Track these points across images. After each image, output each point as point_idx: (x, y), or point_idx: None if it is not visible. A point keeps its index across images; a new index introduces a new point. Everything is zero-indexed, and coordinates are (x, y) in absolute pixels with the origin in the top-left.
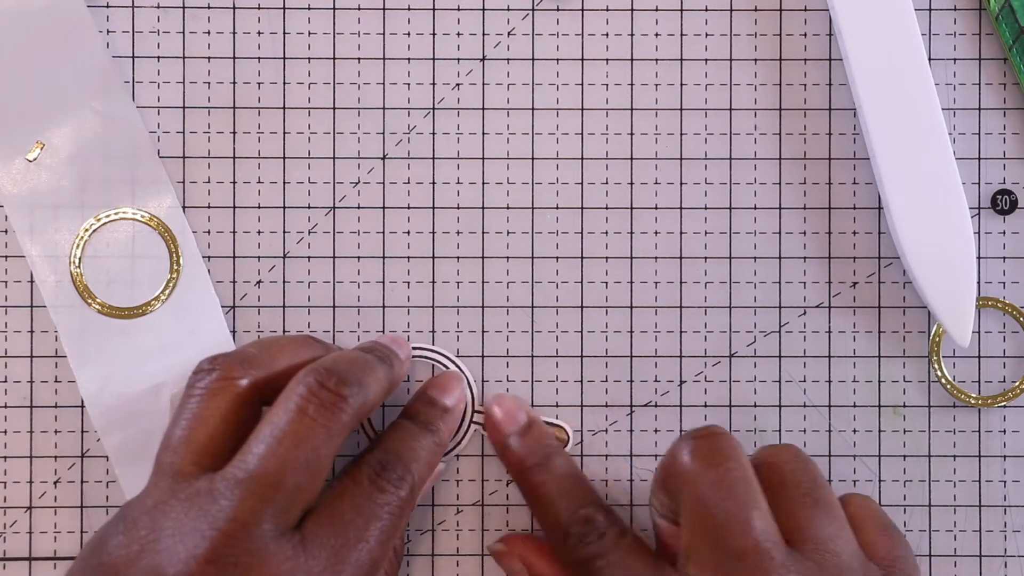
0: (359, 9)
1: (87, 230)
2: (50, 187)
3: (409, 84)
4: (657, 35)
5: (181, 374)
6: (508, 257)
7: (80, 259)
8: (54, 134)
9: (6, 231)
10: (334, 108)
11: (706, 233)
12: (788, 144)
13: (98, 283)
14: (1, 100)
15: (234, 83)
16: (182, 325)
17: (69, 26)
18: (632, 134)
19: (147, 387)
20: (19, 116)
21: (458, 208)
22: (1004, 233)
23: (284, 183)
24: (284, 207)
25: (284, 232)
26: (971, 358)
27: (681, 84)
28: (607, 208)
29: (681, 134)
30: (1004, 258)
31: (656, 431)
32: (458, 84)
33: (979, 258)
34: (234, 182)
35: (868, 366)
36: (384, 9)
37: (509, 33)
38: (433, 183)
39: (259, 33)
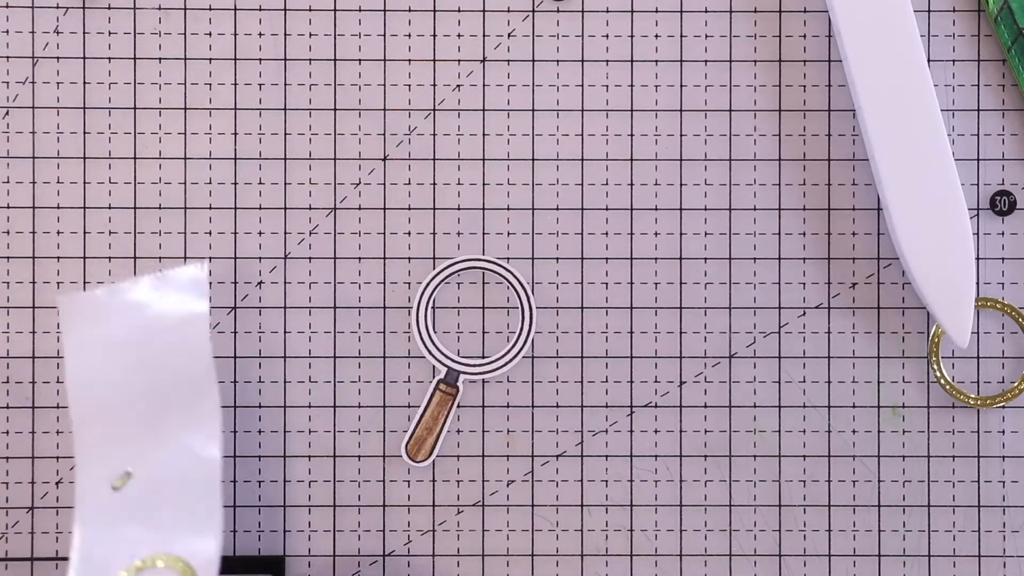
0: (360, 11)
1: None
2: (123, 519)
3: (410, 85)
4: (657, 36)
5: None
6: (509, 258)
7: None
8: (142, 464)
9: (8, 232)
10: (335, 109)
11: (706, 234)
12: (787, 145)
13: None
14: (108, 421)
15: (235, 84)
16: None
17: (189, 354)
18: (632, 135)
19: None
20: (121, 439)
21: (459, 209)
22: (1003, 234)
23: (285, 184)
24: (285, 208)
25: (285, 233)
26: (970, 359)
27: (681, 85)
28: (607, 209)
29: (681, 135)
30: (1003, 259)
31: (656, 431)
32: (458, 85)
33: (978, 259)
34: (235, 183)
35: (867, 367)
36: (385, 11)
37: (509, 35)
38: (434, 184)
39: (260, 35)
